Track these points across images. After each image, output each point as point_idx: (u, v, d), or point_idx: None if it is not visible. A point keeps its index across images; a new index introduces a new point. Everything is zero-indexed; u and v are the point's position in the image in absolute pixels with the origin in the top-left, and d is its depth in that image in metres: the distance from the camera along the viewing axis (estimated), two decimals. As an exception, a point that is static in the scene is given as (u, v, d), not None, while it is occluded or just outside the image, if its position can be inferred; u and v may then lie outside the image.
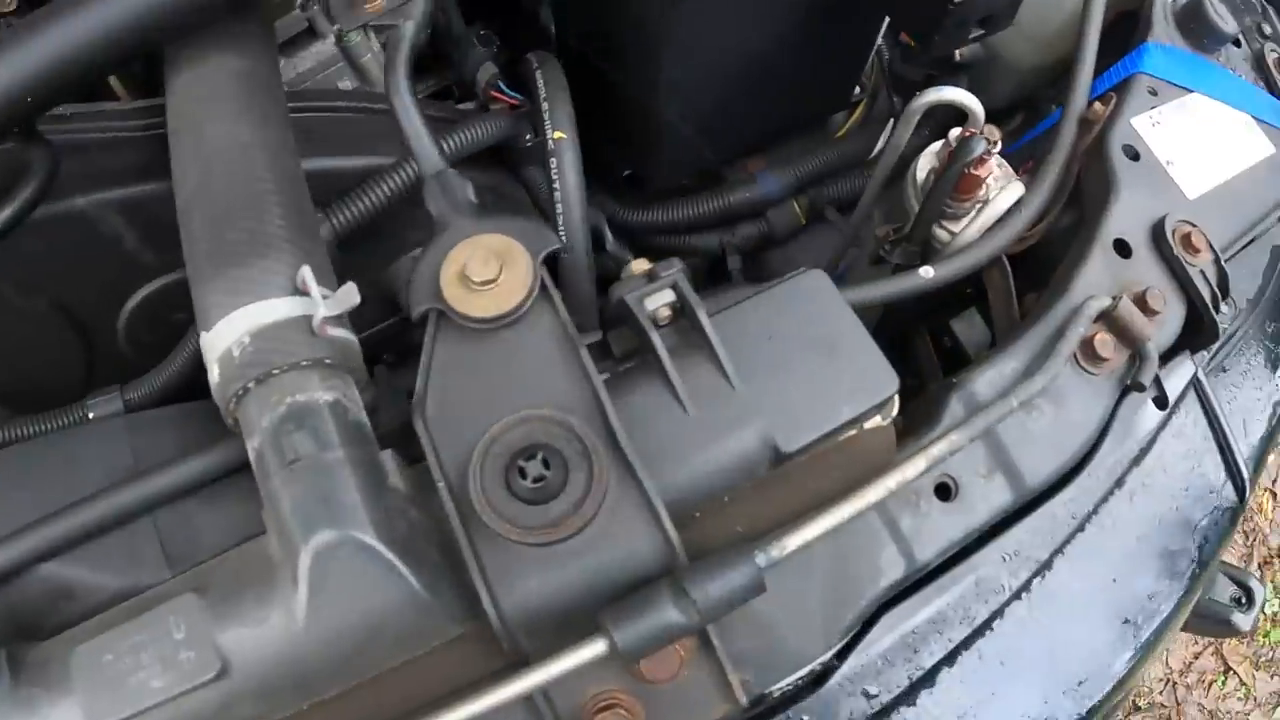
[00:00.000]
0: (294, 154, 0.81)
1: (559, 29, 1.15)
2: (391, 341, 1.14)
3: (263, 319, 0.69)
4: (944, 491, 0.78)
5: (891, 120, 1.25)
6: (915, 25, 1.02)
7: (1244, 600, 1.10)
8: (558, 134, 0.98)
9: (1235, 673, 2.24)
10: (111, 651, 0.62)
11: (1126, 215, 0.93)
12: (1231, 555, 2.41)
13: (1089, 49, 1.03)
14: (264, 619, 0.63)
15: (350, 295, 0.72)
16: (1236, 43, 1.15)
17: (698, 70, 1.03)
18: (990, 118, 1.32)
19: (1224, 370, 1.00)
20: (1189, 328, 0.91)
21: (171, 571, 0.72)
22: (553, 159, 0.97)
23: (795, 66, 1.11)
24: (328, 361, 0.69)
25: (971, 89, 1.27)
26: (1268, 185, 1.06)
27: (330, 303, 0.71)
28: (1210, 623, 1.10)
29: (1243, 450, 0.94)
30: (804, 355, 0.73)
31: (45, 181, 0.84)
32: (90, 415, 1.03)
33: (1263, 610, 2.21)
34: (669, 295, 0.73)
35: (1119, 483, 0.86)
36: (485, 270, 0.69)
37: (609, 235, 1.22)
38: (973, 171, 0.95)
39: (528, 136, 1.06)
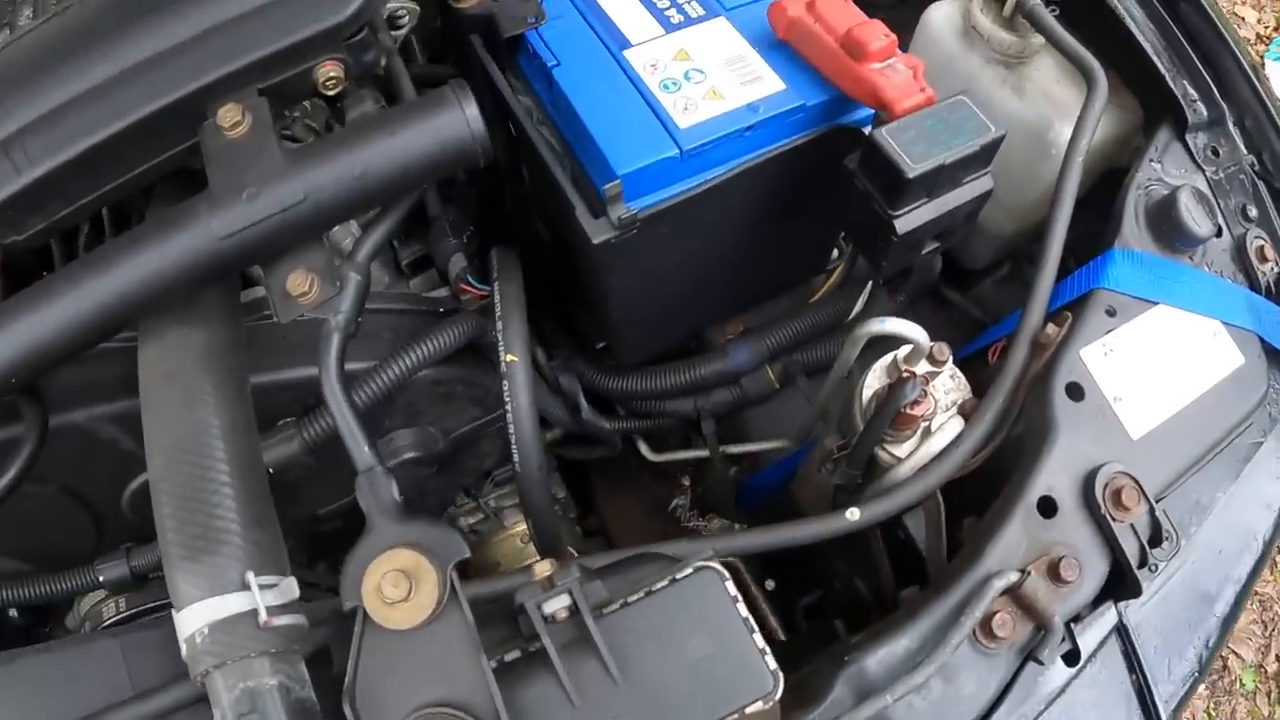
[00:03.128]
0: (250, 432, 0.95)
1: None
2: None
3: (216, 614, 0.84)
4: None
5: (870, 283, 1.34)
6: (866, 247, 1.11)
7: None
8: (510, 357, 1.10)
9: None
10: None
11: (1058, 468, 1.00)
12: (1248, 648, 2.45)
13: (1048, 268, 1.09)
14: None
15: (290, 589, 0.89)
16: (1217, 231, 1.19)
17: (648, 288, 1.14)
18: (976, 274, 1.41)
19: (1163, 600, 1.07)
20: (1113, 580, 1.00)
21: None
22: (504, 381, 1.10)
23: (755, 265, 1.21)
24: (273, 650, 0.84)
25: (954, 252, 1.36)
26: (1229, 401, 1.11)
27: (273, 594, 0.87)
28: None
29: (1163, 694, 1.03)
30: (688, 655, 0.85)
31: (39, 440, 1.02)
32: (100, 578, 1.23)
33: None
34: (566, 599, 0.87)
35: (1016, 737, 0.97)
36: (396, 591, 0.84)
37: (584, 403, 1.35)
38: (908, 412, 1.04)
39: (494, 333, 1.19)
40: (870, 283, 1.34)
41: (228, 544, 0.87)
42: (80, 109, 0.93)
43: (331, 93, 0.98)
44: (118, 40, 0.95)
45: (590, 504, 1.73)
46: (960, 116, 1.03)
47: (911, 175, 0.98)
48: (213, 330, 0.98)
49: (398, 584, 0.84)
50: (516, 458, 1.10)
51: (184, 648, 0.85)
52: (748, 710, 0.87)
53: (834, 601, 1.35)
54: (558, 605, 0.87)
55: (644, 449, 1.51)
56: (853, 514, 1.02)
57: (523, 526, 1.51)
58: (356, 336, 1.18)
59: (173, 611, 0.87)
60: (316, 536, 1.43)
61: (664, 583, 0.90)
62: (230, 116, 0.92)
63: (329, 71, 0.97)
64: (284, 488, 1.05)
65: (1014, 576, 0.95)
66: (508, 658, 0.89)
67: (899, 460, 1.09)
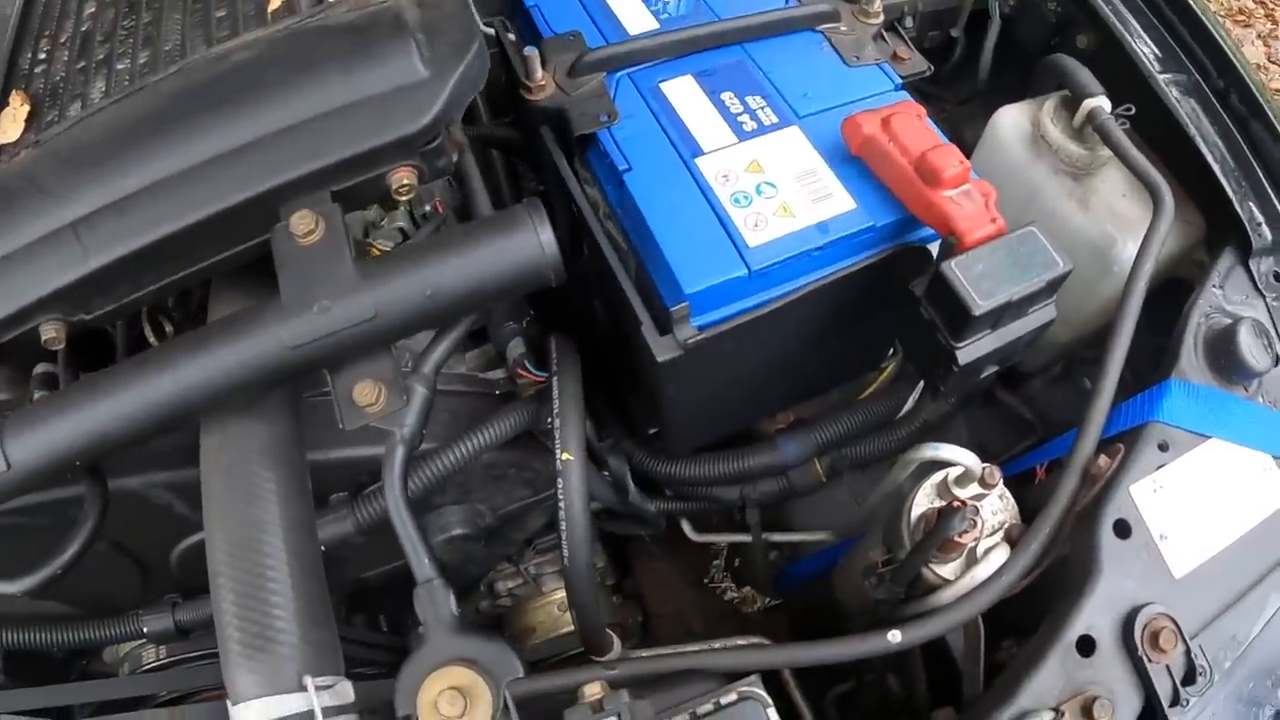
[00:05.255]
0: (310, 530, 1.00)
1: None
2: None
3: (273, 712, 0.91)
4: None
5: (921, 381, 1.38)
6: (925, 371, 1.16)
7: None
8: (565, 455, 1.15)
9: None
10: None
11: (1099, 608, 1.05)
12: None
13: (1104, 397, 1.13)
14: None
15: (346, 692, 0.94)
16: (1276, 361, 1.22)
17: (705, 393, 1.19)
18: (1028, 374, 1.46)
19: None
20: (1145, 718, 1.06)
21: None
22: (559, 479, 1.15)
23: (812, 368, 1.26)
24: None
25: (1008, 357, 1.40)
26: (1273, 538, 1.16)
27: (329, 695, 0.93)
28: None
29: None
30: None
31: (99, 519, 1.08)
32: (145, 629, 1.30)
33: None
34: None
35: None
36: (452, 709, 0.90)
37: (632, 485, 1.41)
38: (956, 539, 1.09)
39: (549, 420, 1.25)
40: (921, 381, 1.39)
41: (286, 643, 0.93)
42: (153, 200, 0.98)
43: (404, 198, 1.02)
44: (191, 132, 1.00)
45: (627, 567, 1.79)
46: (1029, 250, 1.07)
47: (978, 312, 1.03)
48: (275, 425, 1.03)
49: (454, 702, 0.90)
50: (566, 553, 1.16)
51: None
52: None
53: (866, 695, 1.41)
54: (600, 727, 0.93)
55: (687, 528, 1.58)
56: (895, 636, 1.06)
57: (561, 594, 1.57)
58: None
59: (228, 704, 0.93)
60: (356, 591, 1.50)
61: (709, 706, 0.96)
62: (304, 224, 0.96)
63: (402, 179, 1.01)
64: (332, 559, 1.12)
65: (1047, 716, 1.01)
66: (553, 775, 0.95)
67: (944, 581, 1.14)
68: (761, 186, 1.12)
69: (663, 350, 1.06)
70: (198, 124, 1.00)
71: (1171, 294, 1.31)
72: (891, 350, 1.40)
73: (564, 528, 1.16)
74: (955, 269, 1.05)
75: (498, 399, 1.28)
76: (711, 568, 1.76)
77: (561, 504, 1.15)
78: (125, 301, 1.05)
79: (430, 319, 0.98)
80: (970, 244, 1.07)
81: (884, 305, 1.18)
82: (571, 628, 1.42)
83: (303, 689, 0.92)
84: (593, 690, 0.95)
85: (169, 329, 1.29)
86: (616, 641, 1.27)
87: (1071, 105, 1.29)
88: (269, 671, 0.92)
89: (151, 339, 1.27)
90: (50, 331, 1.01)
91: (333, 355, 0.97)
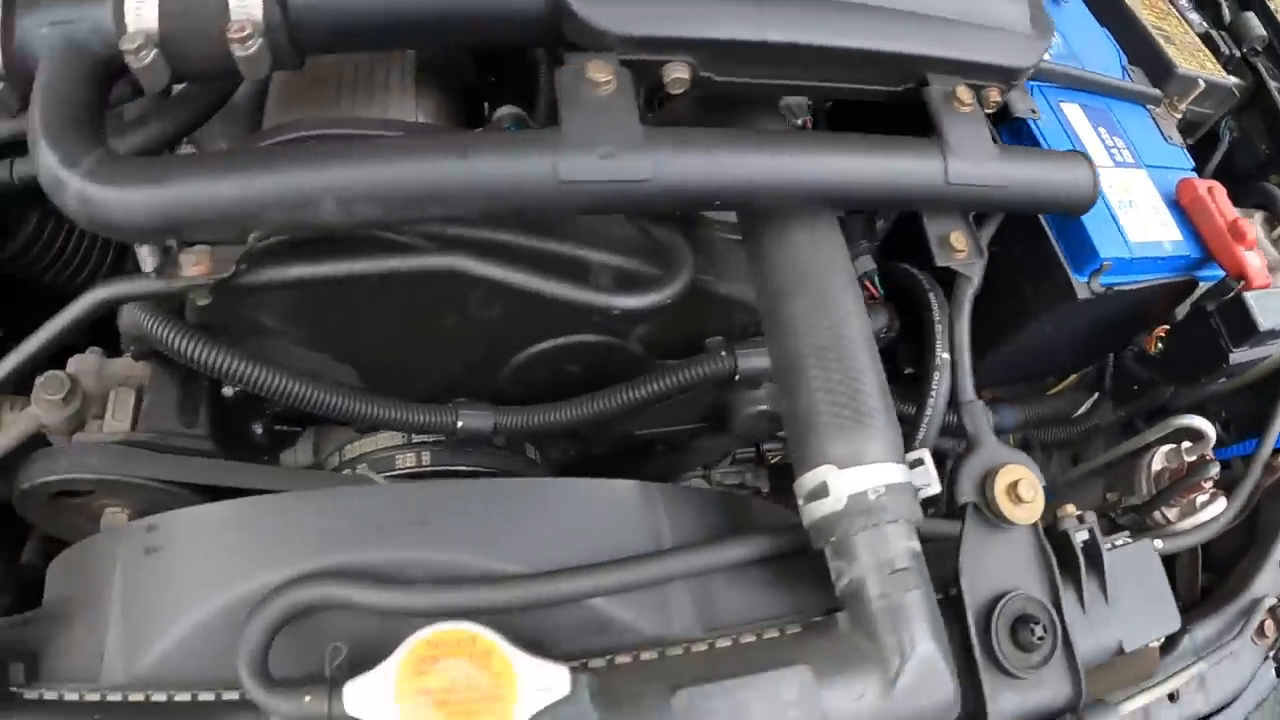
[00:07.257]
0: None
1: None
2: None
3: (891, 479, 1.11)
4: (1172, 696, 1.49)
5: (1095, 393, 1.97)
6: (1186, 367, 1.75)
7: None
8: (944, 354, 1.59)
9: None
10: (719, 697, 1.00)
11: (1291, 541, 1.69)
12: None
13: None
14: (860, 695, 1.04)
15: (933, 477, 1.24)
16: None
17: (1040, 335, 1.72)
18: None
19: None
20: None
21: (702, 630, 1.13)
22: (936, 374, 1.58)
23: (1070, 351, 1.83)
24: (917, 519, 1.14)
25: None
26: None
27: (926, 475, 1.23)
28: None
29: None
30: (1134, 598, 1.40)
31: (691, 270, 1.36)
32: (459, 424, 1.45)
33: None
34: (1086, 534, 1.38)
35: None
36: (1029, 493, 1.30)
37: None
38: (1202, 484, 1.66)
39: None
40: (1096, 393, 1.97)
41: (886, 418, 1.15)
42: (832, 12, 1.21)
43: (989, 111, 1.37)
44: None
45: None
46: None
47: (1262, 329, 1.64)
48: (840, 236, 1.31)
49: (1031, 487, 1.29)
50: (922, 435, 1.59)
51: (842, 503, 1.09)
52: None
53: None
54: (1080, 537, 1.38)
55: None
56: (1158, 544, 1.61)
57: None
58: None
59: (824, 468, 1.11)
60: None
61: (1107, 545, 1.43)
62: (966, 96, 1.29)
63: (994, 96, 1.37)
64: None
65: (1273, 600, 1.60)
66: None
67: (1167, 521, 1.70)
68: (1131, 202, 1.68)
69: (1083, 290, 1.56)
70: None
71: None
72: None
73: (929, 415, 1.59)
74: (1252, 299, 1.65)
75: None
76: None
77: (933, 395, 1.58)
78: (751, 82, 1.24)
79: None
80: (1256, 287, 1.68)
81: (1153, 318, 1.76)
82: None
83: (901, 462, 1.14)
84: (1070, 510, 1.39)
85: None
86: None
87: (1273, 222, 1.95)
88: (884, 440, 1.13)
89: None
90: (680, 71, 1.15)
91: (951, 201, 1.34)
